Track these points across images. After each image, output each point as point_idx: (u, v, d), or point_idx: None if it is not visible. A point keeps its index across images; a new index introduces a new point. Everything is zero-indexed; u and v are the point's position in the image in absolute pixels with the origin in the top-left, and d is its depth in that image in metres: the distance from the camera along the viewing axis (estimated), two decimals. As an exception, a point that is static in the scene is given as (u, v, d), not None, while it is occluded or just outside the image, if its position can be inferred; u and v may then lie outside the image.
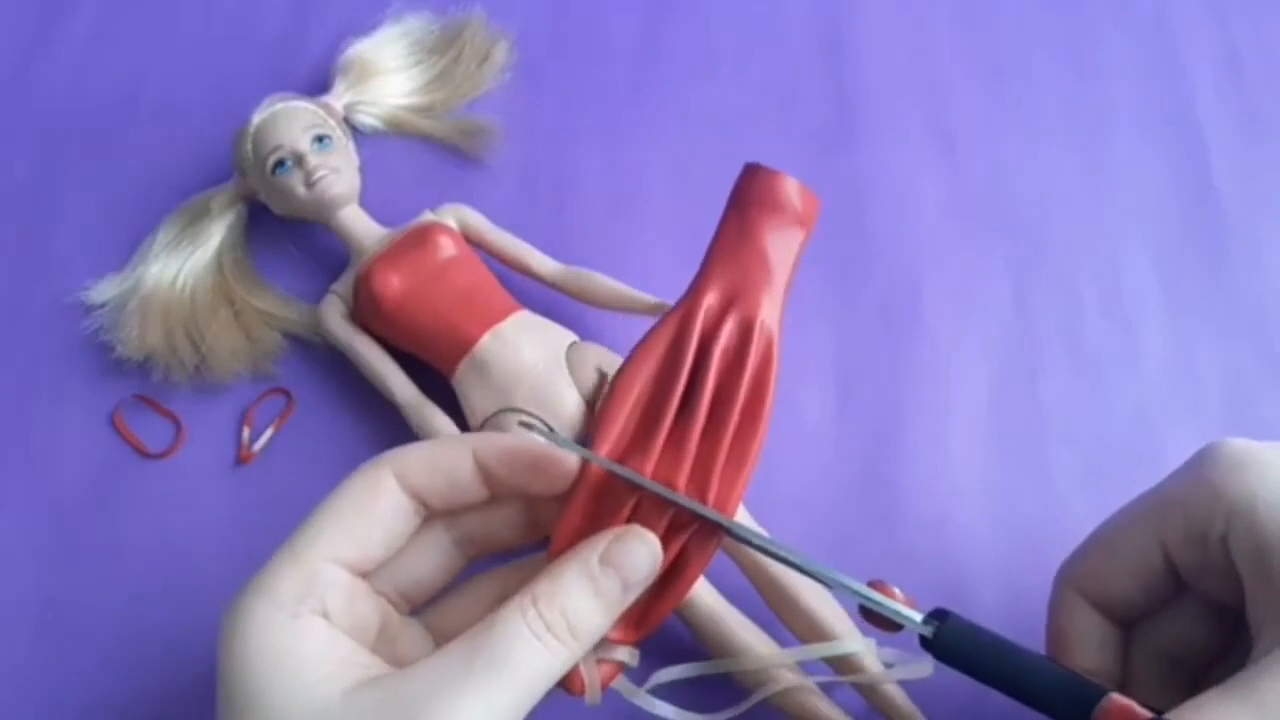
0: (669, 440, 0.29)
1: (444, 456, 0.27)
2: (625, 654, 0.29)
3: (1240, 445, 0.28)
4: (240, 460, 0.41)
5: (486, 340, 0.39)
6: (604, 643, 0.28)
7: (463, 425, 0.39)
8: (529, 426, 0.30)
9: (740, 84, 0.49)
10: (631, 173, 0.47)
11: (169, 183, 0.46)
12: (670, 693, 0.32)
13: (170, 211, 0.44)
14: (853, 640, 0.34)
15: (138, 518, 0.40)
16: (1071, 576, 0.32)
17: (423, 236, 0.40)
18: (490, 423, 0.38)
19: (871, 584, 0.29)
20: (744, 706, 0.33)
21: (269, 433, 0.41)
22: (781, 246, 0.30)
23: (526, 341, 0.39)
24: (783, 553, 0.28)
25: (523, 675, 0.24)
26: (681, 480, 0.28)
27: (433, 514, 0.28)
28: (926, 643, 0.29)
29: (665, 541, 0.28)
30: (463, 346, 0.38)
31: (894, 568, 0.39)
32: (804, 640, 0.36)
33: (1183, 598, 0.31)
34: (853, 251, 0.45)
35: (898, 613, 0.28)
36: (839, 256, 0.45)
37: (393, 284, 0.39)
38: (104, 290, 0.43)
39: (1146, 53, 0.50)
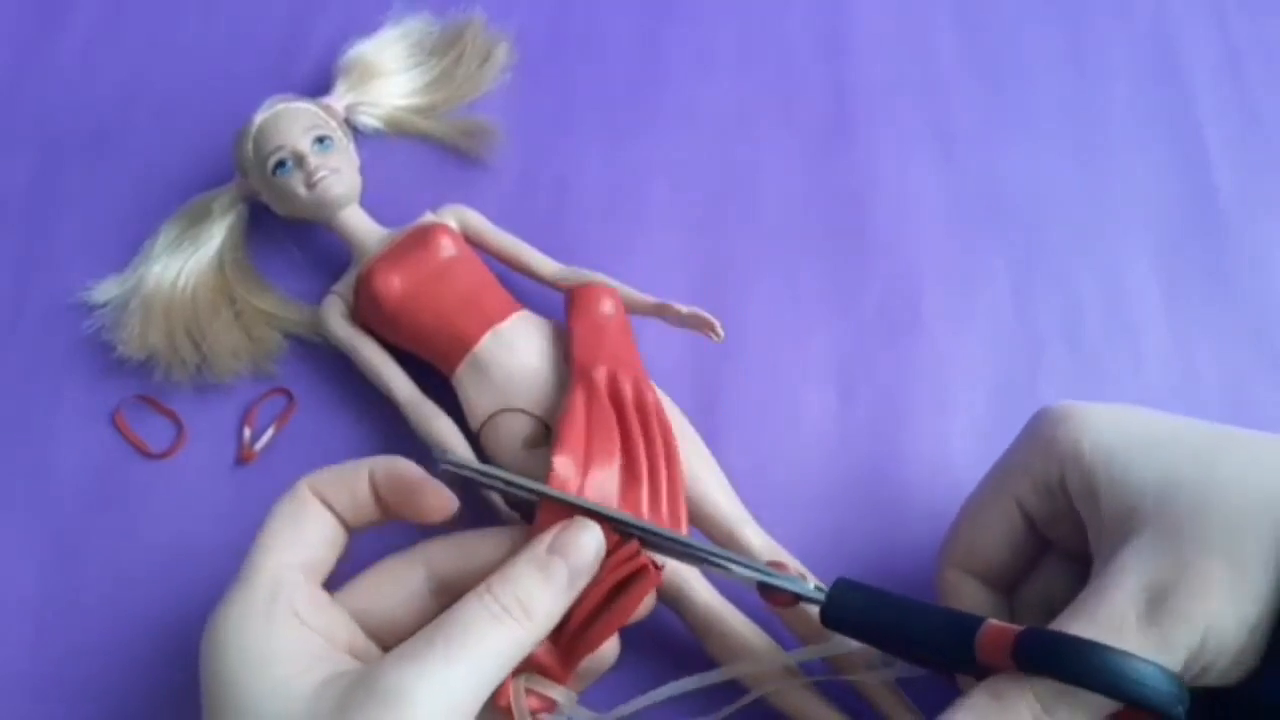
0: (623, 468, 0.35)
1: (347, 476, 0.31)
2: (561, 694, 0.32)
3: (1064, 404, 0.32)
4: (241, 460, 0.41)
5: (487, 340, 0.39)
6: (539, 679, 0.31)
7: (463, 425, 0.39)
8: (452, 464, 0.32)
9: (740, 84, 0.49)
10: (631, 173, 0.47)
11: (170, 183, 0.46)
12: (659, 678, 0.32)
13: (171, 212, 0.44)
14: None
15: (139, 517, 0.40)
16: (949, 556, 0.34)
17: (423, 237, 0.40)
18: (490, 423, 0.38)
19: (770, 564, 0.32)
20: (731, 709, 0.34)
21: (270, 432, 0.41)
22: (617, 327, 0.39)
23: (526, 341, 0.39)
24: (690, 549, 0.31)
25: (481, 649, 0.27)
26: (643, 506, 0.34)
27: (351, 527, 0.32)
28: (823, 614, 0.31)
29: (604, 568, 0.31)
30: (463, 346, 0.39)
31: (894, 567, 0.40)
32: (805, 639, 0.36)
33: (1049, 554, 0.34)
34: (852, 251, 0.45)
35: (793, 583, 0.31)
36: (839, 256, 0.45)
37: (394, 284, 0.39)
38: (105, 290, 0.43)
39: (1146, 53, 0.50)
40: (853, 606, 0.31)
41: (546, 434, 0.37)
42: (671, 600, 0.36)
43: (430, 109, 0.47)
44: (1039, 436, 0.32)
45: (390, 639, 0.30)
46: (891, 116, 0.48)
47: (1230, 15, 0.51)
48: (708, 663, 0.36)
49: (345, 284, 0.42)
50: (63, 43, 0.50)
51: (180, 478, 0.41)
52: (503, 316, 0.39)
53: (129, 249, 0.44)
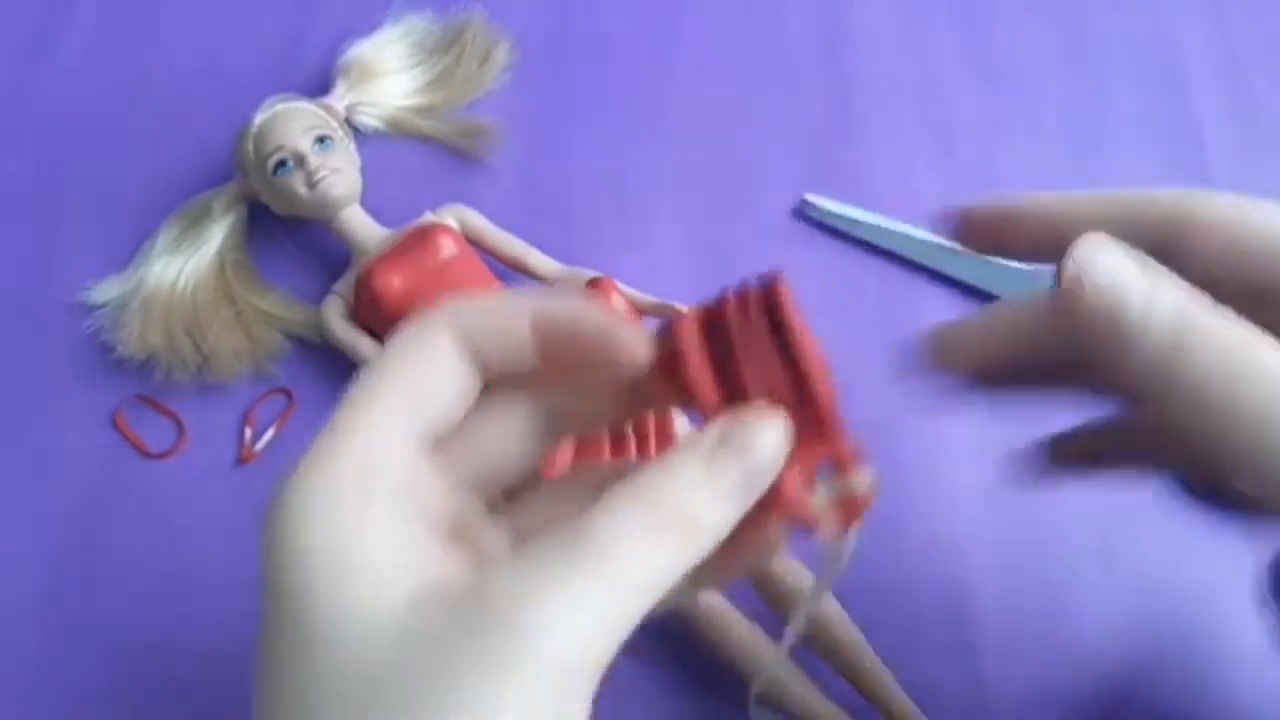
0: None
1: (502, 313, 0.23)
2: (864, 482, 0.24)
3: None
4: (242, 460, 0.41)
5: (487, 340, 0.39)
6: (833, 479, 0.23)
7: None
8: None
9: (740, 83, 0.49)
10: (631, 172, 0.47)
11: (170, 183, 0.46)
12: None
13: (172, 212, 0.44)
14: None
15: (139, 517, 0.40)
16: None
17: (424, 237, 0.40)
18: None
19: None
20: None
21: (270, 433, 0.41)
22: None
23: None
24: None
25: (632, 574, 0.20)
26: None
27: (492, 382, 0.23)
28: None
29: None
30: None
31: (894, 564, 0.40)
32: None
33: None
34: (852, 250, 0.45)
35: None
36: (839, 256, 0.45)
37: (394, 284, 0.39)
38: (106, 290, 0.43)
39: (1146, 51, 0.50)
40: None
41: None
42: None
43: (430, 109, 0.47)
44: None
45: (489, 485, 0.23)
46: (891, 116, 0.48)
47: (1230, 15, 0.51)
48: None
49: (345, 284, 0.42)
50: (63, 43, 0.50)
51: (180, 478, 0.41)
52: (503, 316, 0.39)
53: (129, 249, 0.44)
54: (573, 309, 0.23)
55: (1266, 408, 0.20)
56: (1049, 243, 0.24)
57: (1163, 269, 0.21)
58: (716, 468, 0.21)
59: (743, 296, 0.23)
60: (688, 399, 0.22)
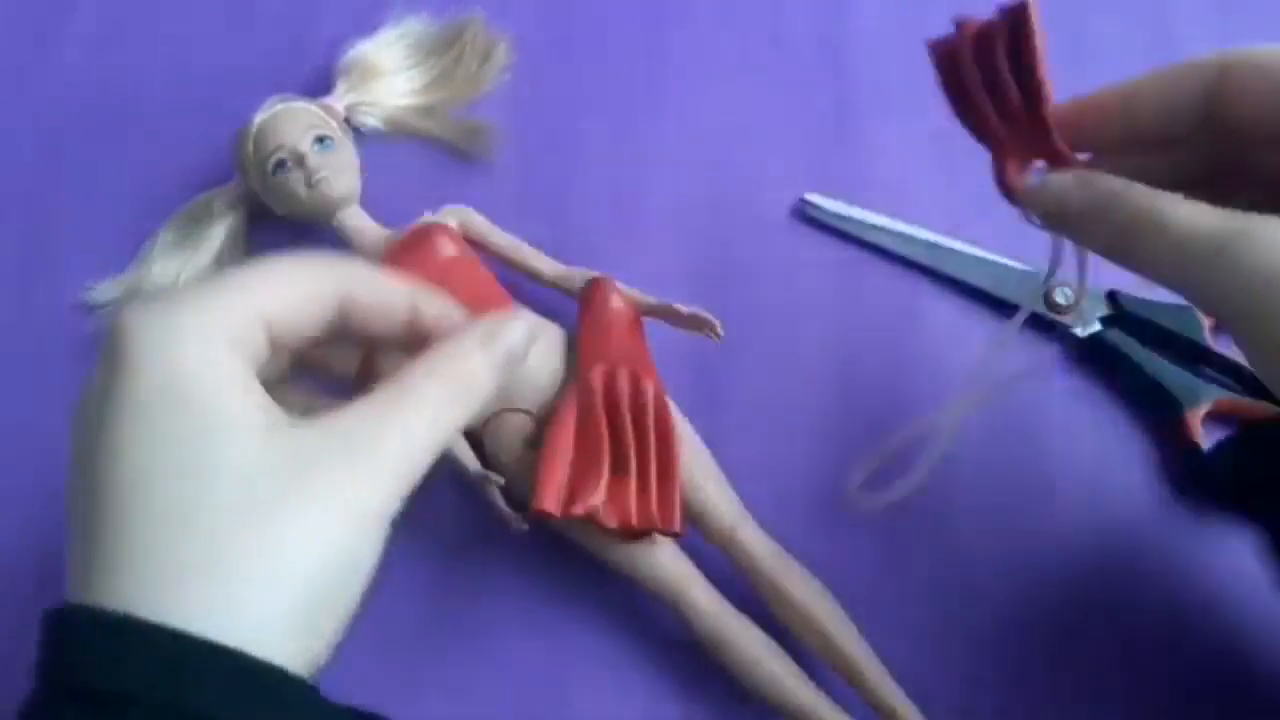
0: (612, 468, 0.35)
1: (389, 296, 0.29)
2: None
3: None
4: (241, 460, 0.41)
5: (487, 340, 0.39)
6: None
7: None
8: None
9: (740, 84, 0.49)
10: (631, 173, 0.47)
11: (170, 184, 0.46)
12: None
13: (172, 212, 0.44)
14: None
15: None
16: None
17: (423, 237, 0.40)
18: (491, 423, 0.38)
19: None
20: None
21: (270, 433, 0.41)
22: (625, 322, 0.40)
23: (527, 341, 0.39)
24: None
25: (436, 407, 0.27)
26: (631, 500, 0.35)
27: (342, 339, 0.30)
28: None
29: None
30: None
31: (895, 562, 0.40)
32: (800, 637, 0.36)
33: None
34: (852, 251, 0.45)
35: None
36: (838, 255, 0.45)
37: (393, 285, 0.39)
38: (106, 291, 0.43)
39: (1146, 53, 0.50)
40: None
41: (543, 435, 0.37)
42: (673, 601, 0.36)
43: (430, 109, 0.47)
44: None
45: (272, 353, 0.28)
46: (892, 116, 0.48)
47: (1230, 15, 0.50)
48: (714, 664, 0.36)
49: (345, 284, 0.42)
50: (63, 43, 0.50)
51: (181, 478, 0.41)
52: (503, 317, 0.39)
53: (129, 249, 0.44)
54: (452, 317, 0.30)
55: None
56: (1119, 124, 0.31)
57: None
58: (488, 347, 0.29)
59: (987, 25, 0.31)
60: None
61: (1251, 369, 0.28)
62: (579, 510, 0.34)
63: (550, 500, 0.34)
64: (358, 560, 0.25)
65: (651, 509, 0.35)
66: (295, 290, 0.27)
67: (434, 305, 0.30)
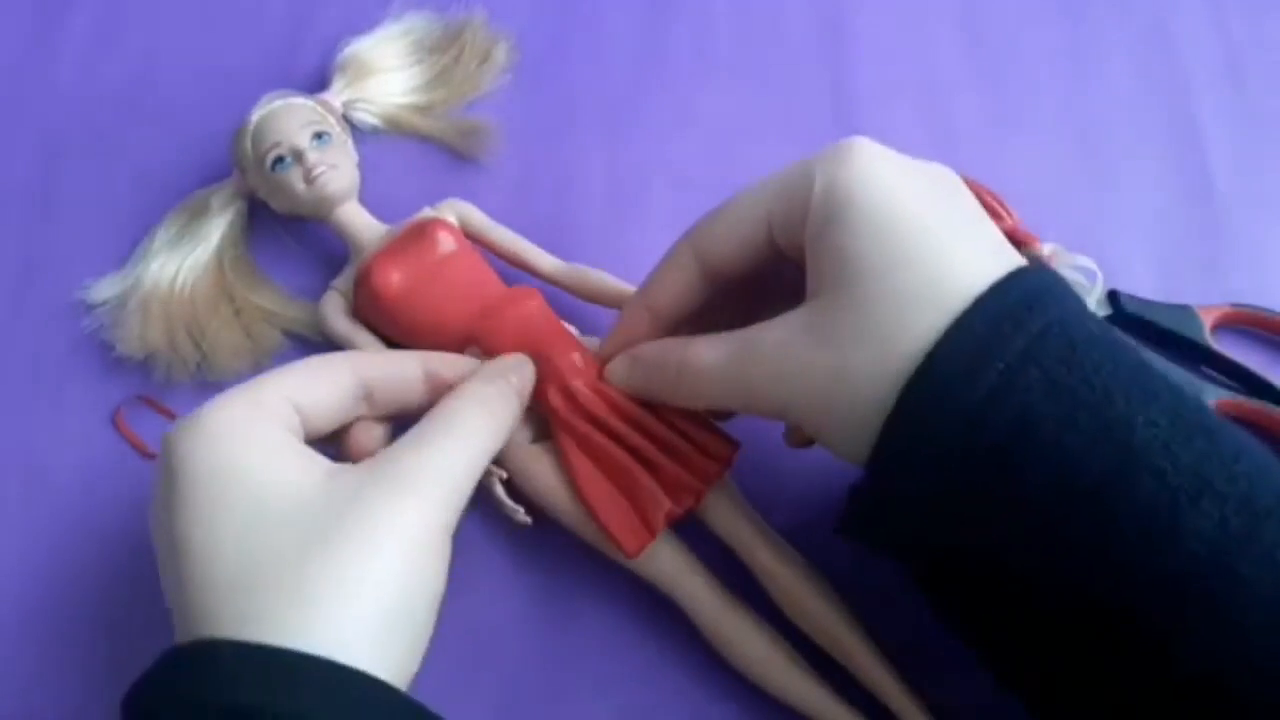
0: (643, 465, 0.36)
1: (399, 373, 0.34)
2: None
3: (851, 139, 0.32)
4: (240, 459, 0.41)
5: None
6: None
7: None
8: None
9: (740, 84, 0.49)
10: (631, 173, 0.47)
11: (169, 181, 0.46)
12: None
13: (170, 209, 0.44)
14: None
15: (139, 518, 0.40)
16: (690, 233, 0.35)
17: (422, 232, 0.40)
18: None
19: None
20: None
21: (269, 431, 0.41)
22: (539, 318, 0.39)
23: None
24: None
25: (472, 435, 0.32)
26: (682, 476, 0.36)
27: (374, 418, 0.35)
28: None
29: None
30: (463, 341, 0.38)
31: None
32: (813, 638, 0.36)
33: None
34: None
35: None
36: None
37: (392, 280, 0.39)
38: (104, 289, 0.43)
39: (1146, 53, 0.50)
40: None
41: (548, 428, 0.37)
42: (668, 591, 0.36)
43: (429, 107, 0.47)
44: (804, 163, 0.32)
45: (313, 434, 0.32)
46: (891, 116, 0.48)
47: (1230, 15, 0.51)
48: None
49: (344, 280, 0.42)
50: (62, 42, 0.50)
51: (179, 476, 0.41)
52: (502, 313, 0.39)
53: (129, 248, 0.44)
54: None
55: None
56: (650, 325, 0.35)
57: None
58: (502, 383, 0.34)
59: None
60: None
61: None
62: (659, 530, 0.35)
63: (630, 542, 0.35)
64: (421, 576, 0.28)
65: (699, 464, 0.35)
66: (314, 375, 0.32)
67: (445, 362, 0.35)
